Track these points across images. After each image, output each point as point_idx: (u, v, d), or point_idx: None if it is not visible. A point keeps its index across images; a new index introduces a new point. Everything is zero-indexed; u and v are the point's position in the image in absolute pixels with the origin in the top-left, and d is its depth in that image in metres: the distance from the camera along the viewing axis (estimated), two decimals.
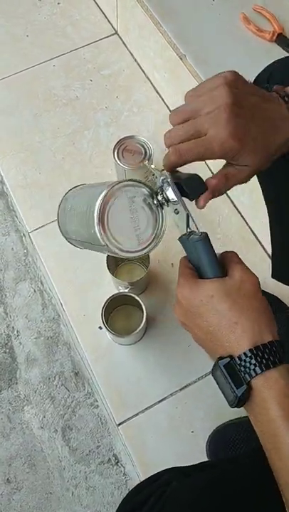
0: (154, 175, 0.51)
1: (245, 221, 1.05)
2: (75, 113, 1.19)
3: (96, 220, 0.48)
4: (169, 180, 0.48)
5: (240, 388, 0.42)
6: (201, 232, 0.47)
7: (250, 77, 0.69)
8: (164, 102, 1.19)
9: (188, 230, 0.49)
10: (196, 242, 0.47)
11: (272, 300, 0.93)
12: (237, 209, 1.06)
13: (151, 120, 1.17)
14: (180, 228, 0.50)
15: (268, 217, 0.78)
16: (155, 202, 0.50)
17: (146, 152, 0.96)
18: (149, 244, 0.50)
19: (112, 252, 0.49)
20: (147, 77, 1.22)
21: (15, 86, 1.23)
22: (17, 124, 1.18)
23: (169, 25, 1.03)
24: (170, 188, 0.48)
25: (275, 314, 0.92)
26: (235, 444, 0.81)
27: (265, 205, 0.76)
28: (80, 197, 0.57)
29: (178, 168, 0.50)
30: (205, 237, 0.47)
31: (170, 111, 1.26)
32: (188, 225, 0.49)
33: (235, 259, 0.47)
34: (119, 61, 1.25)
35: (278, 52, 0.98)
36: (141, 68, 1.24)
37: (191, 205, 0.50)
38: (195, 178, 0.49)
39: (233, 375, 0.42)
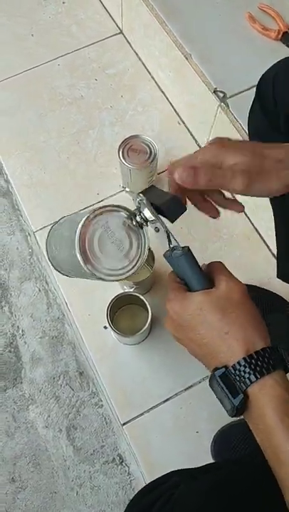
0: (132, 199, 0.52)
1: (250, 221, 1.05)
2: (80, 112, 1.19)
3: (78, 253, 0.49)
4: (144, 201, 0.50)
5: (237, 397, 0.42)
6: (183, 247, 0.49)
7: (256, 76, 0.69)
8: (169, 101, 1.19)
9: (171, 246, 0.50)
10: (179, 257, 0.48)
11: (275, 299, 0.93)
12: None
13: (156, 119, 1.17)
14: (163, 245, 0.51)
15: (273, 217, 0.78)
16: (134, 223, 0.51)
17: (151, 151, 0.96)
18: (134, 265, 0.52)
19: (100, 278, 0.50)
20: (152, 77, 1.22)
21: (20, 85, 1.23)
22: (22, 123, 1.18)
23: (174, 25, 1.03)
24: (146, 209, 0.50)
25: (276, 313, 0.92)
26: (239, 445, 0.81)
27: (270, 205, 0.76)
28: (61, 239, 0.58)
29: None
30: (187, 252, 0.48)
31: (175, 110, 1.25)
32: (170, 241, 0.50)
33: (220, 269, 0.48)
34: (124, 60, 1.25)
35: (284, 51, 0.97)
36: (146, 67, 1.24)
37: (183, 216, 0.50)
38: (173, 199, 0.50)
39: (230, 385, 0.42)
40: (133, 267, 0.51)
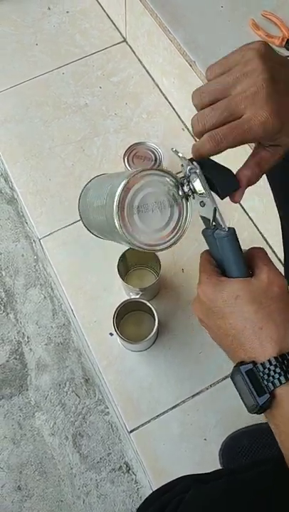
0: (182, 165, 0.47)
1: (255, 226, 1.05)
2: (85, 120, 1.20)
3: (116, 216, 0.45)
4: (197, 171, 0.44)
5: (262, 397, 0.40)
6: (229, 228, 0.44)
7: None
8: (173, 108, 1.19)
9: (214, 224, 0.45)
10: (223, 239, 0.44)
11: None
12: (247, 213, 1.06)
13: (161, 126, 1.17)
14: (204, 221, 0.47)
15: (279, 221, 0.77)
16: (180, 193, 0.47)
17: (156, 158, 0.96)
18: (172, 237, 0.47)
19: (135, 246, 0.46)
20: (156, 84, 1.23)
21: (25, 94, 1.24)
22: (27, 131, 1.19)
23: (178, 32, 1.03)
24: (198, 180, 0.45)
25: None
26: (248, 452, 0.81)
27: (276, 210, 0.76)
28: (99, 190, 0.53)
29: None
30: (232, 234, 0.44)
31: (179, 117, 1.25)
32: (214, 219, 0.45)
33: (262, 258, 0.44)
34: (128, 68, 1.26)
35: None
36: (150, 75, 1.24)
37: (216, 197, 0.46)
38: (228, 174, 0.45)
39: (255, 383, 0.40)
40: (169, 241, 0.47)
